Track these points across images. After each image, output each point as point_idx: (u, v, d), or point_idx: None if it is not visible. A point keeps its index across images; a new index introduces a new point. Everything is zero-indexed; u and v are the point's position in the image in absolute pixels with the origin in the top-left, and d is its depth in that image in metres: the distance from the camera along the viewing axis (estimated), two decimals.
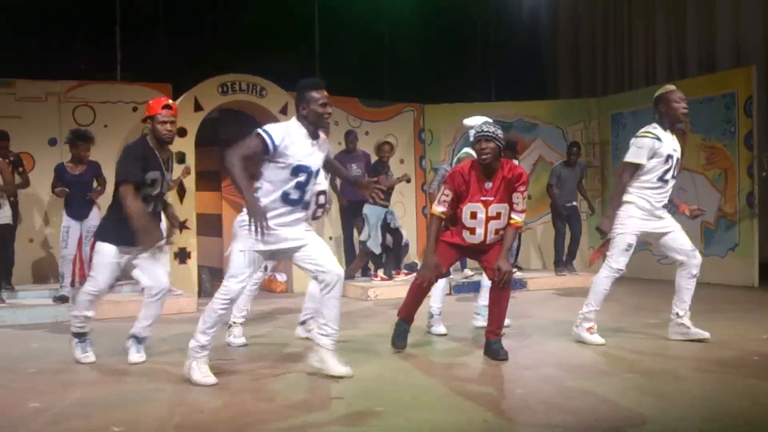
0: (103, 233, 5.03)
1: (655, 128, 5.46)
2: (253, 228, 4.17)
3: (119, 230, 4.85)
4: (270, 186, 4.37)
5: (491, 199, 4.97)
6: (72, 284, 7.64)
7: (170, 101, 5.12)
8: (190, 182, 8.94)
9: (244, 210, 4.31)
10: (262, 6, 11.75)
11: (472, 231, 5.04)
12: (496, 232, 5.05)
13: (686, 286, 5.50)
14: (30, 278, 9.06)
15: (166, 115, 4.94)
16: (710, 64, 10.74)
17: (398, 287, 8.32)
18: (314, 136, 4.47)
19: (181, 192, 8.89)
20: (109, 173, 8.82)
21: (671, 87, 5.56)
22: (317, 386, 4.31)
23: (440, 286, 5.85)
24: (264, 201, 4.32)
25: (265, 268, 5.85)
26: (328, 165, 4.81)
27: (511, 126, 11.28)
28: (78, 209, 7.57)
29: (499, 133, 4.97)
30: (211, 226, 10.85)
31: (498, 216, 5.00)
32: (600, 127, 11.44)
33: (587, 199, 10.09)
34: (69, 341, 5.16)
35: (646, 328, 6.04)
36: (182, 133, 8.69)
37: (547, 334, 6.06)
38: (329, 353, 4.49)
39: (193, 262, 8.91)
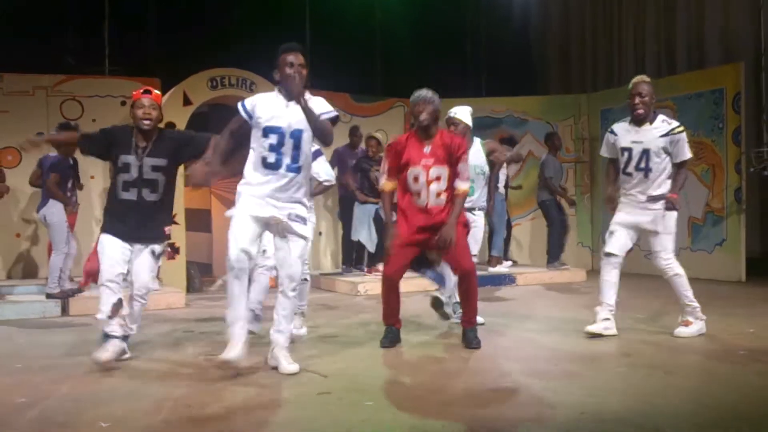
0: (103, 226, 4.97)
1: (620, 122, 5.66)
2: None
3: (109, 222, 4.87)
4: (252, 153, 4.49)
5: (430, 162, 5.15)
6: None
7: (151, 89, 5.08)
8: (178, 177, 8.87)
9: (241, 181, 4.49)
10: (253, 1, 11.71)
11: (418, 194, 5.21)
12: (438, 195, 5.18)
13: (673, 287, 5.60)
14: (19, 273, 9.03)
15: (145, 99, 4.91)
16: (699, 60, 10.79)
17: None
18: (289, 98, 4.46)
19: None
20: (103, 167, 8.88)
21: (635, 79, 5.62)
22: (307, 381, 4.30)
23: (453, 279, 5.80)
24: (248, 168, 4.47)
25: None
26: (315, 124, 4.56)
27: (501, 121, 11.31)
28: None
29: (436, 98, 5.20)
30: (200, 222, 10.81)
31: (438, 179, 5.16)
32: (589, 123, 11.48)
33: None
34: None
35: (634, 323, 6.08)
36: (171, 127, 8.64)
37: (536, 329, 6.08)
38: (282, 351, 4.51)
39: (181, 258, 8.87)
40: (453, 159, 5.14)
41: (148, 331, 6.15)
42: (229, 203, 4.60)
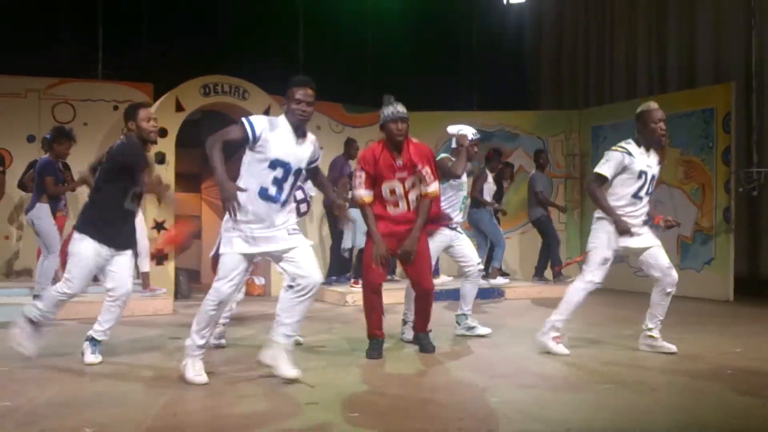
0: (83, 226, 4.97)
1: (629, 143, 5.46)
2: (227, 211, 4.26)
3: (100, 227, 4.88)
4: (249, 179, 4.39)
5: (405, 174, 5.31)
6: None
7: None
8: (169, 183, 8.87)
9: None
10: (247, 8, 11.73)
11: (395, 204, 5.36)
12: (416, 200, 5.38)
13: (660, 302, 5.53)
14: (8, 275, 8.98)
15: (148, 112, 5.04)
16: (690, 80, 10.86)
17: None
18: (299, 134, 4.48)
19: None
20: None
21: (653, 105, 5.49)
22: (293, 391, 4.29)
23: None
24: (243, 197, 4.31)
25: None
26: (314, 173, 4.79)
27: (492, 135, 11.34)
28: (54, 205, 7.44)
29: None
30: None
31: (414, 186, 5.35)
32: (580, 139, 11.54)
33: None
34: (17, 325, 5.04)
35: (621, 340, 6.08)
36: (163, 133, 8.62)
37: (524, 343, 6.07)
38: (284, 354, 4.47)
39: (170, 264, 8.84)
40: (422, 166, 5.29)
41: (135, 337, 6.13)
42: (219, 210, 4.61)
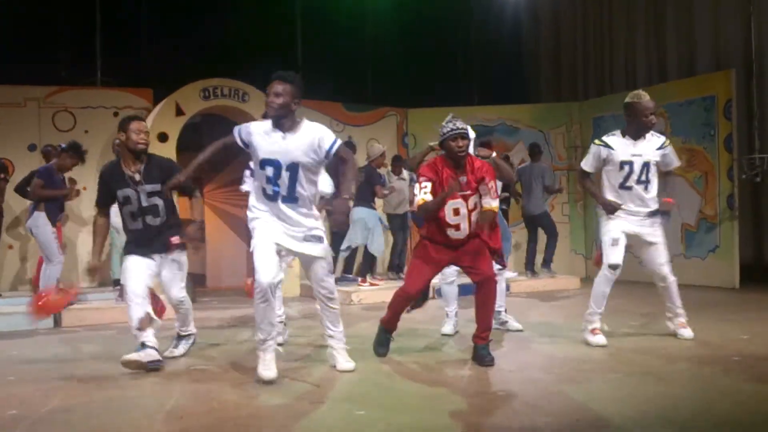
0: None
1: (611, 135, 5.55)
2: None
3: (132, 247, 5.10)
4: (254, 182, 4.63)
5: (469, 192, 5.07)
6: None
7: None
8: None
9: (250, 208, 4.60)
10: (245, 11, 11.73)
11: (457, 227, 5.07)
12: (474, 222, 5.14)
13: (662, 293, 5.67)
14: (12, 285, 8.99)
15: (140, 124, 5.05)
16: (690, 68, 10.83)
17: (382, 291, 8.30)
18: (284, 128, 4.50)
19: None
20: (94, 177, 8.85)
21: (640, 94, 5.51)
22: (298, 391, 4.29)
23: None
24: (253, 196, 4.62)
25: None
26: (337, 162, 4.67)
27: (493, 130, 11.33)
28: (54, 215, 7.46)
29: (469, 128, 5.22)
30: None
31: (475, 207, 5.10)
32: (581, 131, 11.51)
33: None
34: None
35: (628, 330, 6.07)
36: (163, 138, 8.65)
37: (530, 336, 6.07)
38: (338, 350, 4.82)
39: None
40: (481, 183, 5.06)
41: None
42: (223, 213, 4.65)
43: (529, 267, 10.10)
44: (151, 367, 4.79)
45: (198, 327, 6.83)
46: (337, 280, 9.45)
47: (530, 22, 13.88)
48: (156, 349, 4.86)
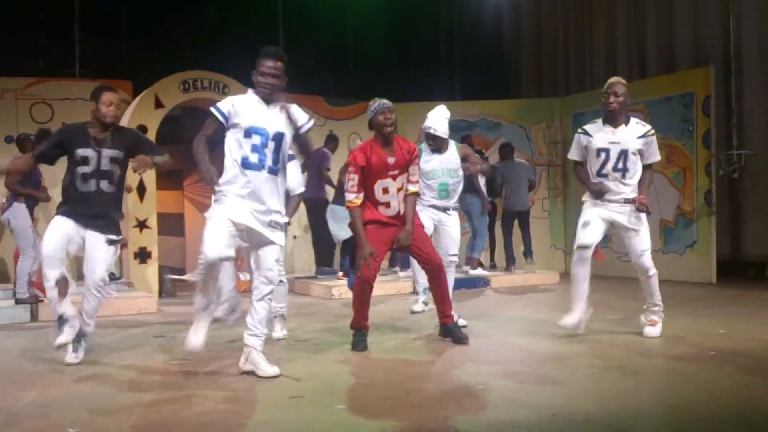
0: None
1: (592, 123, 5.67)
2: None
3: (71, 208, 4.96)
4: (230, 155, 4.44)
5: (397, 172, 5.27)
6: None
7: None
8: (150, 181, 8.80)
9: (222, 182, 4.44)
10: (226, 3, 11.65)
11: (387, 205, 5.29)
12: (402, 199, 5.34)
13: (642, 285, 5.65)
14: None
15: (112, 96, 4.99)
16: (669, 64, 10.89)
17: None
18: (268, 101, 4.50)
19: (142, 191, 8.74)
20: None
21: (612, 79, 5.66)
22: (280, 385, 4.28)
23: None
24: (228, 175, 4.41)
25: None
26: (301, 141, 4.65)
27: (474, 125, 11.35)
28: (31, 209, 7.40)
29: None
30: (173, 226, 10.71)
31: (403, 186, 5.32)
32: (562, 127, 11.56)
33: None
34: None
35: (606, 324, 6.10)
36: (143, 130, 8.56)
37: (509, 330, 6.10)
38: (258, 354, 4.48)
39: (153, 262, 8.79)
40: (408, 164, 5.31)
41: (119, 336, 6.09)
42: (203, 207, 4.60)
43: (511, 261, 10.11)
44: (80, 336, 4.87)
45: (177, 321, 6.85)
46: (316, 274, 9.49)
47: (512, 18, 13.90)
48: (73, 318, 4.85)
